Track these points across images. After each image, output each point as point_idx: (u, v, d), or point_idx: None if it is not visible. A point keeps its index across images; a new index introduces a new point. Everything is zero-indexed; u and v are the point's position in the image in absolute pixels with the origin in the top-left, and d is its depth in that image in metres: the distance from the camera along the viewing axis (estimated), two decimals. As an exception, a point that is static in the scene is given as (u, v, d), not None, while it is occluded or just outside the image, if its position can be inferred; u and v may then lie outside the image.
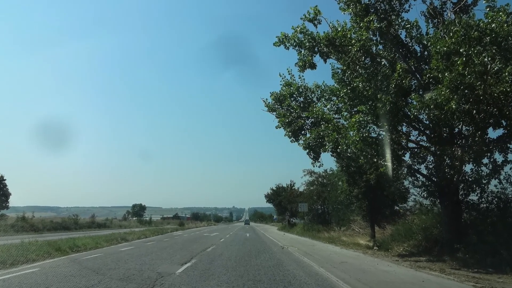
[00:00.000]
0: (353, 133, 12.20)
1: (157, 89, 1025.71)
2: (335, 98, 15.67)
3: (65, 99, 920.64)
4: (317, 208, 38.59)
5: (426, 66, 12.90)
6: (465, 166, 12.70)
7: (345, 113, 14.26)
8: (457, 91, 10.00)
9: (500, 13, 9.71)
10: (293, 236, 34.26)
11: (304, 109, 16.10)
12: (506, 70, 9.53)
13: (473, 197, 13.67)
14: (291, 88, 16.57)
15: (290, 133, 16.08)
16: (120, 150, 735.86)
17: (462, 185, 13.47)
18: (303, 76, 16.22)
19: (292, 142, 16.22)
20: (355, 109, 13.48)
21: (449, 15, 13.17)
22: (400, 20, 13.45)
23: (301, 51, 13.89)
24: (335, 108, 15.67)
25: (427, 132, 13.70)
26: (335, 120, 14.33)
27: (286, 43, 13.98)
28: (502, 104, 10.49)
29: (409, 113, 12.43)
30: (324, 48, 13.30)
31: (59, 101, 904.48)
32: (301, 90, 16.55)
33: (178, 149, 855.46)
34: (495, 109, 10.91)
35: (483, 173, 12.81)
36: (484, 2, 10.63)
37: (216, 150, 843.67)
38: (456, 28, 10.21)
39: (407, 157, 14.28)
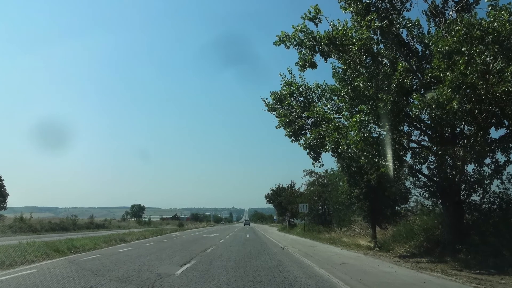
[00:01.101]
0: (354, 133, 12.11)
1: (156, 89, 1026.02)
2: (335, 97, 15.60)
3: (63, 99, 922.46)
4: (317, 208, 38.54)
5: (427, 66, 12.80)
6: (467, 166, 12.63)
7: (346, 113, 14.16)
8: (459, 91, 9.91)
9: (502, 11, 9.63)
10: (293, 237, 34.19)
11: (304, 109, 16.02)
12: (508, 70, 9.46)
13: (475, 197, 13.57)
14: (292, 87, 16.49)
15: (290, 133, 16.00)
16: (118, 150, 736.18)
17: (464, 185, 13.36)
18: (303, 75, 16.15)
19: (292, 142, 16.16)
20: (356, 109, 13.40)
21: (450, 14, 13.09)
22: (401, 19, 13.34)
23: (302, 50, 13.79)
24: (336, 108, 15.60)
25: (429, 132, 13.61)
26: (335, 120, 14.23)
27: (286, 42, 13.89)
28: (504, 103, 10.43)
29: (410, 112, 12.34)
30: (325, 47, 13.21)
31: (57, 100, 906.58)
32: (301, 90, 16.47)
33: (177, 149, 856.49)
34: (497, 109, 10.87)
35: (485, 173, 12.71)
36: (486, 1, 10.61)
37: (216, 150, 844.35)
38: (458, 27, 10.14)
39: (408, 157, 14.20)
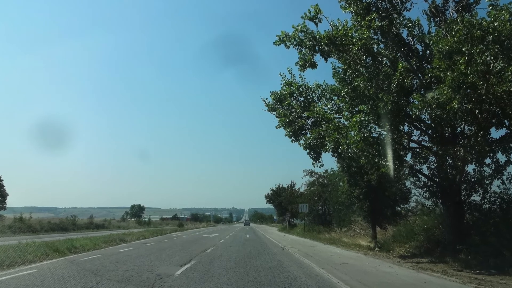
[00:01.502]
0: (354, 133, 12.09)
1: (156, 89, 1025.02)
2: (336, 97, 15.57)
3: (63, 99, 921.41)
4: (317, 208, 38.53)
5: (428, 65, 12.78)
6: (468, 166, 12.63)
7: (346, 113, 14.13)
8: (459, 91, 9.89)
9: (503, 11, 9.60)
10: (293, 237, 34.17)
11: (304, 109, 15.99)
12: (509, 69, 9.44)
13: (476, 197, 13.56)
14: (292, 87, 16.46)
15: (290, 133, 15.97)
16: (118, 150, 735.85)
17: (465, 185, 13.35)
18: (303, 75, 16.11)
19: (292, 142, 16.13)
20: (356, 109, 13.37)
21: (451, 13, 13.08)
22: (401, 19, 13.32)
23: (302, 50, 13.76)
24: (336, 108, 15.56)
25: (429, 132, 13.59)
26: (336, 120, 14.22)
27: (286, 42, 13.86)
28: (504, 103, 10.41)
29: (410, 112, 12.31)
30: (325, 47, 13.18)
31: (57, 100, 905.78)
32: (301, 90, 16.44)
33: (177, 149, 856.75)
34: (497, 109, 10.86)
35: (485, 173, 12.71)
36: (486, 0, 10.56)
37: (216, 150, 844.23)
38: (458, 27, 10.12)
39: (408, 157, 14.16)
